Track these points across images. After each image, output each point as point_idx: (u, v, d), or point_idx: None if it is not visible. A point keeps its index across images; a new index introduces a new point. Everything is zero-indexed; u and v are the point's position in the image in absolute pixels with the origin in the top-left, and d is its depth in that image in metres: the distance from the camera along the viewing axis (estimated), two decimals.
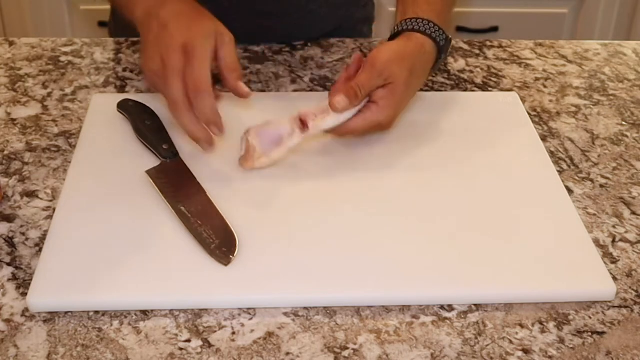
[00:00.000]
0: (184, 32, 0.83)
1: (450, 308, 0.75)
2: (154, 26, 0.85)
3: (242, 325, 0.73)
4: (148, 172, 0.87)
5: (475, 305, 0.76)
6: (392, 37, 0.93)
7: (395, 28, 0.93)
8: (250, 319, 0.74)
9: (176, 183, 0.86)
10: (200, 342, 0.71)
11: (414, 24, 0.91)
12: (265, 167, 0.88)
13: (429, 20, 0.91)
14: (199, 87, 0.81)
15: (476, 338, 0.73)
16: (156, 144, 0.90)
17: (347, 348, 0.71)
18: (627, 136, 1.00)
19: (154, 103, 1.00)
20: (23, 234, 0.82)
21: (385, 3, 2.04)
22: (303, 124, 0.85)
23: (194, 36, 0.83)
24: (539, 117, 1.03)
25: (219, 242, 0.78)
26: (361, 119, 0.88)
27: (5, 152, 0.93)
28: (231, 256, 0.77)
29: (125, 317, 0.73)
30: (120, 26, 1.25)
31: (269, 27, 1.16)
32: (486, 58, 1.15)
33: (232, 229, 0.80)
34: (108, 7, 1.24)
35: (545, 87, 1.10)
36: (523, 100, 1.06)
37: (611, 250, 0.83)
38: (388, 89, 0.87)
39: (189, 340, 0.71)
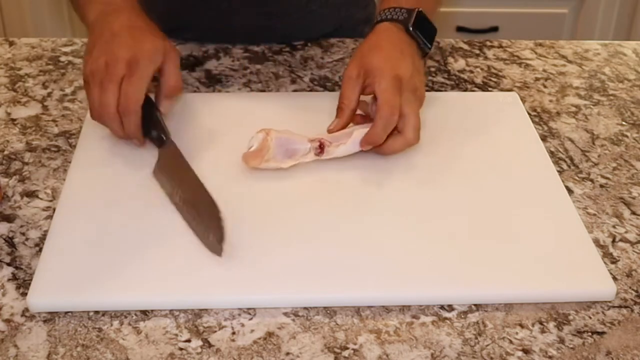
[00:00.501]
0: (133, 46, 0.86)
1: (450, 308, 0.75)
2: (105, 32, 0.88)
3: (242, 325, 0.73)
4: (154, 173, 0.87)
5: (475, 305, 0.76)
6: None
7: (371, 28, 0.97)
8: (250, 319, 0.74)
9: (170, 171, 0.87)
10: (200, 342, 0.71)
11: (379, 16, 0.96)
12: (268, 169, 0.87)
13: (396, 7, 0.94)
14: (129, 106, 0.85)
15: (476, 338, 0.73)
16: (145, 132, 0.90)
17: (347, 348, 0.71)
18: (627, 136, 1.00)
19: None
20: (23, 234, 0.82)
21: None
22: (321, 149, 0.85)
23: (141, 54, 0.86)
24: (539, 117, 1.03)
25: (212, 232, 0.78)
26: (380, 101, 0.87)
27: (5, 152, 0.93)
28: (223, 245, 0.77)
29: (125, 317, 0.73)
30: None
31: (269, 26, 1.16)
32: (486, 58, 1.15)
33: (221, 217, 0.79)
34: None
35: (545, 87, 1.10)
36: (523, 100, 1.06)
37: (611, 250, 0.83)
38: (372, 75, 0.88)
39: (189, 340, 0.71)
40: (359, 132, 0.88)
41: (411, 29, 0.93)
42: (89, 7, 0.93)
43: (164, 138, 0.89)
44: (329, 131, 0.89)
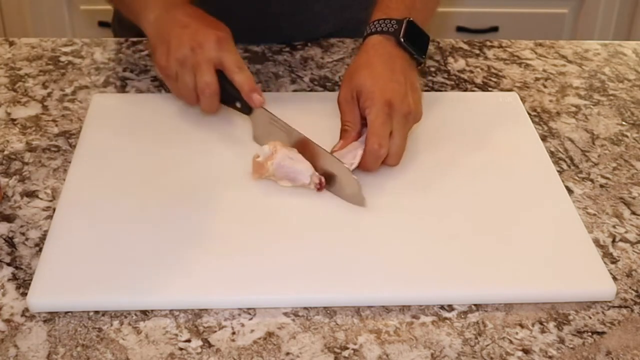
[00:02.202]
0: (213, 28, 0.91)
1: (450, 308, 0.75)
2: (175, 25, 0.92)
3: (242, 325, 0.73)
4: (254, 139, 0.93)
5: (475, 305, 0.76)
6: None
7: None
8: (250, 319, 0.74)
9: (267, 132, 0.92)
10: (200, 342, 0.71)
11: (367, 30, 0.94)
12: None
13: (381, 19, 0.93)
14: (239, 63, 0.90)
15: (476, 338, 0.73)
16: (227, 102, 0.93)
17: (347, 348, 0.71)
18: (627, 136, 1.00)
19: (154, 102, 1.00)
20: (23, 234, 0.82)
21: None
22: (320, 186, 0.85)
23: (224, 32, 0.91)
24: (539, 117, 1.03)
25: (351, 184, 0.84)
26: (370, 124, 0.87)
27: (5, 152, 0.93)
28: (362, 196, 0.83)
29: (125, 317, 0.73)
30: (125, 26, 1.25)
31: (273, 27, 1.15)
32: (486, 58, 1.15)
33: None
34: (109, 7, 1.24)
35: (545, 87, 1.10)
36: (523, 100, 1.06)
37: (611, 250, 0.83)
38: (362, 95, 0.88)
39: (189, 340, 0.71)
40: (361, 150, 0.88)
41: (402, 40, 0.91)
42: (148, 8, 0.95)
43: (249, 107, 0.92)
44: (333, 152, 0.88)
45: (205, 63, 0.89)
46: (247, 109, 0.92)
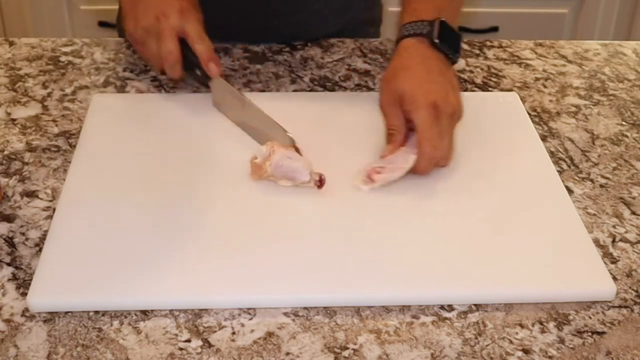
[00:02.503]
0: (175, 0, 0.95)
1: (450, 308, 0.75)
2: None
3: (242, 325, 0.73)
4: (214, 103, 0.98)
5: (475, 305, 0.76)
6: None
7: (395, 45, 0.95)
8: (250, 319, 0.74)
9: (226, 99, 0.97)
10: (200, 342, 0.71)
11: (403, 30, 0.94)
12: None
13: (412, 22, 0.93)
14: (200, 34, 0.95)
15: (476, 338, 0.73)
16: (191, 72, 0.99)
17: (347, 348, 0.71)
18: (627, 136, 1.00)
19: (154, 102, 1.00)
20: (23, 234, 0.82)
21: (384, 3, 2.04)
22: (321, 183, 0.85)
23: (188, 3, 0.95)
24: (539, 117, 1.03)
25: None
26: (419, 131, 0.86)
27: (5, 152, 0.93)
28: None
29: (125, 317, 0.73)
30: None
31: (273, 26, 1.15)
32: (486, 58, 1.15)
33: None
34: (108, 7, 1.24)
35: (545, 87, 1.10)
36: (523, 100, 1.06)
37: (611, 250, 0.83)
38: (405, 100, 0.87)
39: (189, 340, 0.71)
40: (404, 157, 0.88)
41: (437, 41, 0.91)
42: None
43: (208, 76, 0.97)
44: (383, 157, 0.88)
45: (169, 32, 0.93)
46: (206, 77, 0.97)
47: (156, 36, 0.94)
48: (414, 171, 0.87)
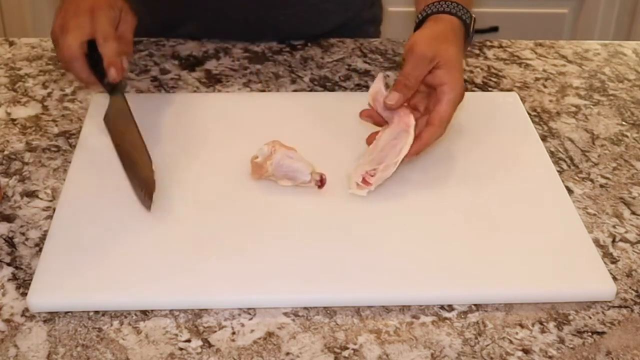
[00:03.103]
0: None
1: (450, 308, 0.75)
2: None
3: (242, 325, 0.73)
4: (104, 119, 0.92)
5: (475, 305, 0.76)
6: (418, 26, 0.92)
7: (419, 15, 0.92)
8: (250, 319, 0.74)
9: (115, 118, 0.91)
10: (200, 342, 0.71)
11: (438, 6, 0.91)
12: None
13: (451, 1, 0.91)
14: (106, 35, 0.91)
15: (476, 338, 0.73)
16: (100, 77, 0.93)
17: (347, 348, 0.71)
18: (627, 136, 1.00)
19: (154, 102, 1.00)
20: (23, 234, 0.82)
21: (384, 3, 2.04)
22: (321, 183, 0.85)
23: (101, 2, 0.93)
24: (539, 117, 1.03)
25: (144, 187, 0.83)
26: (445, 105, 0.86)
27: (5, 152, 0.93)
28: (150, 202, 0.81)
29: (125, 317, 0.73)
30: None
31: (269, 20, 1.15)
32: (486, 58, 1.15)
33: (153, 175, 0.84)
34: None
35: (545, 87, 1.10)
36: (523, 100, 1.06)
37: (611, 250, 0.83)
38: (445, 68, 0.86)
39: (189, 340, 0.71)
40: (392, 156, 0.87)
41: (471, 33, 0.91)
42: None
43: (115, 86, 0.93)
44: (387, 103, 0.87)
45: (75, 29, 0.90)
46: (109, 87, 0.93)
47: (65, 32, 0.91)
48: (418, 149, 0.86)
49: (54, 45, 0.94)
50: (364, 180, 0.85)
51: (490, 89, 1.08)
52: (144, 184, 0.83)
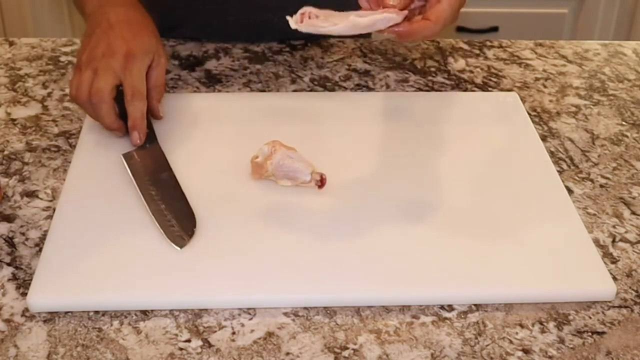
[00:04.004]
0: (129, 39, 0.89)
1: (450, 308, 0.75)
2: (103, 23, 0.91)
3: (242, 325, 0.73)
4: (124, 155, 0.89)
5: (475, 305, 0.76)
6: None
7: None
8: (250, 319, 0.74)
9: (149, 166, 0.88)
10: (200, 342, 0.71)
11: None
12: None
13: None
14: (136, 92, 0.88)
15: (476, 338, 0.73)
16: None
17: (347, 348, 0.71)
18: (627, 136, 1.00)
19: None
20: (23, 234, 0.82)
21: None
22: (322, 183, 0.85)
23: (138, 47, 0.89)
24: (539, 117, 1.03)
25: (179, 225, 0.80)
26: (445, 4, 0.84)
27: (5, 152, 0.93)
28: (186, 239, 0.79)
29: (125, 317, 0.73)
30: None
31: (266, 21, 1.15)
32: (486, 58, 1.15)
33: (193, 212, 0.82)
34: None
35: (545, 87, 1.10)
36: (523, 100, 1.06)
37: (611, 250, 0.83)
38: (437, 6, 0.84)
39: (189, 340, 0.71)
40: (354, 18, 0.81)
41: None
42: (86, 1, 0.97)
43: (152, 139, 0.91)
44: (387, 2, 0.82)
45: (106, 70, 0.87)
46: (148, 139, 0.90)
47: (94, 71, 0.87)
48: (402, 33, 0.82)
49: (76, 74, 0.89)
50: (302, 14, 0.80)
51: (490, 89, 1.08)
52: (181, 218, 0.81)
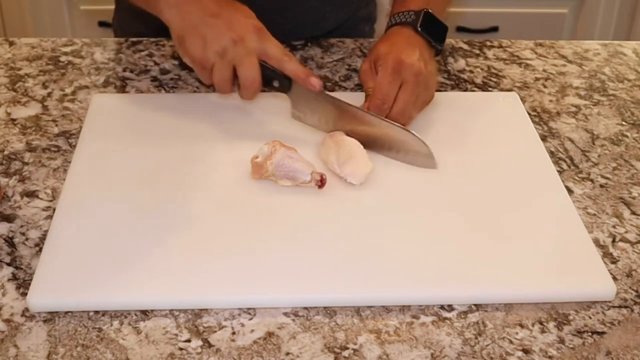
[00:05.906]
0: (246, 16, 0.90)
1: (450, 308, 0.75)
2: (203, 14, 0.89)
3: (242, 325, 0.73)
4: (292, 115, 0.94)
5: (475, 305, 0.76)
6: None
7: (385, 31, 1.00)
8: (250, 319, 0.74)
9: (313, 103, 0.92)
10: (200, 342, 0.71)
11: (387, 24, 0.99)
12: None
13: (400, 12, 0.98)
14: (284, 51, 0.90)
15: (476, 338, 0.73)
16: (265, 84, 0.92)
17: (347, 348, 0.71)
18: (627, 136, 1.00)
19: (154, 102, 1.00)
20: (23, 234, 0.82)
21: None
22: (322, 183, 0.85)
23: (255, 18, 0.91)
24: (539, 117, 1.03)
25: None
26: (380, 76, 0.92)
27: (5, 152, 0.93)
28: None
29: (125, 317, 0.73)
30: (126, 26, 1.25)
31: (268, 23, 1.15)
32: (486, 58, 1.15)
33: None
34: (108, 7, 1.24)
35: (545, 87, 1.10)
36: (523, 100, 1.06)
37: (611, 250, 0.83)
38: (378, 64, 0.92)
39: (189, 340, 0.71)
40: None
41: (419, 29, 0.95)
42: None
43: (289, 82, 0.92)
44: (367, 107, 0.92)
45: (248, 56, 0.88)
46: (286, 87, 0.92)
47: (232, 61, 0.88)
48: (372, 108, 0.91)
49: (203, 71, 0.90)
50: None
51: (490, 89, 1.08)
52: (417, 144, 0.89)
